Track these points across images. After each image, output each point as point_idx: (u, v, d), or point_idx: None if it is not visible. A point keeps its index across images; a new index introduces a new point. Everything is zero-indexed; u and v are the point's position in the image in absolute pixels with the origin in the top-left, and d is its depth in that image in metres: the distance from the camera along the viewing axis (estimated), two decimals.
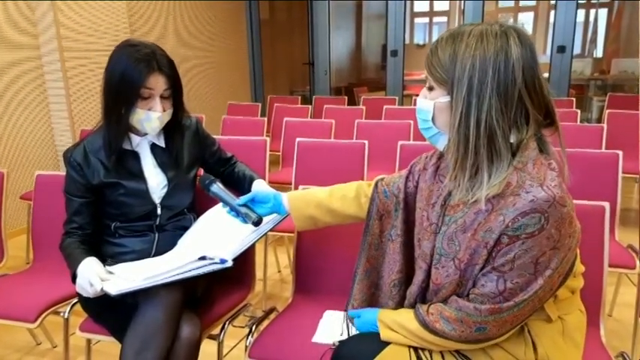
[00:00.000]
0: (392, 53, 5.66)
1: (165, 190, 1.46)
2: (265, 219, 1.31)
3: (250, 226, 1.30)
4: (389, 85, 5.77)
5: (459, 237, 0.97)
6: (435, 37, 10.40)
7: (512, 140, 0.93)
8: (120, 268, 1.33)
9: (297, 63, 7.46)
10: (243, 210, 1.27)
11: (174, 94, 1.41)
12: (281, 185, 3.24)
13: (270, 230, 1.39)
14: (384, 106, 4.06)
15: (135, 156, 1.44)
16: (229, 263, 1.26)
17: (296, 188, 2.62)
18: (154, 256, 1.46)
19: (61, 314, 1.59)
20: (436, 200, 1.06)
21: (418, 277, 1.07)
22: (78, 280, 1.28)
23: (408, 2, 5.68)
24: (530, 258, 0.90)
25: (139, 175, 1.43)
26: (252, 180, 1.60)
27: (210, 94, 5.49)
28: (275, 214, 1.33)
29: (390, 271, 1.20)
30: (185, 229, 1.52)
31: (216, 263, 1.25)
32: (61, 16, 3.50)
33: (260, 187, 1.54)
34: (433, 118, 1.00)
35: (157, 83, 1.34)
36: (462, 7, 9.96)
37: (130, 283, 1.19)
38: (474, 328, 0.96)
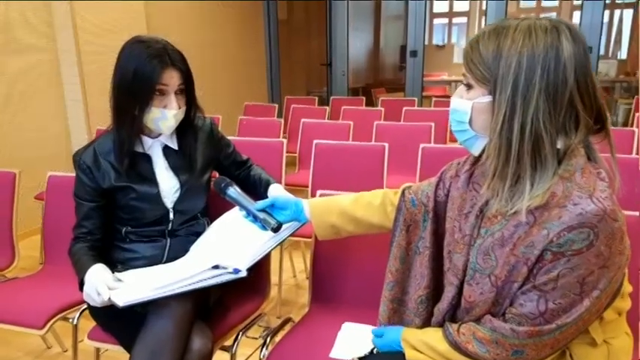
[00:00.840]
0: (411, 54, 5.55)
1: (177, 194, 1.39)
2: (284, 225, 1.23)
3: (267, 233, 1.22)
4: (408, 86, 5.66)
5: (496, 251, 0.88)
6: (454, 39, 10.26)
7: (559, 146, 0.84)
8: (129, 276, 1.27)
9: (314, 64, 7.40)
10: (262, 215, 1.20)
11: (188, 90, 1.35)
12: (297, 188, 3.18)
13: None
14: (404, 108, 3.97)
15: (147, 159, 1.38)
16: (243, 273, 1.19)
17: (313, 191, 2.55)
18: (165, 262, 1.40)
19: (70, 320, 1.54)
20: (470, 210, 0.97)
21: (448, 293, 0.99)
22: (85, 288, 1.22)
23: (428, 2, 5.55)
24: (576, 277, 0.81)
25: (151, 179, 1.37)
26: (268, 184, 1.53)
27: (227, 94, 5.45)
28: (294, 222, 1.26)
29: (417, 286, 1.11)
30: (198, 234, 1.45)
31: (229, 273, 1.18)
32: (78, 19, 3.48)
33: (278, 192, 1.47)
34: (470, 120, 0.91)
35: (172, 79, 1.28)
36: (484, 8, 9.82)
37: (138, 294, 1.13)
38: (511, 351, 0.88)
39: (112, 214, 1.39)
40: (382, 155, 2.43)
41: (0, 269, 1.86)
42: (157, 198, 1.36)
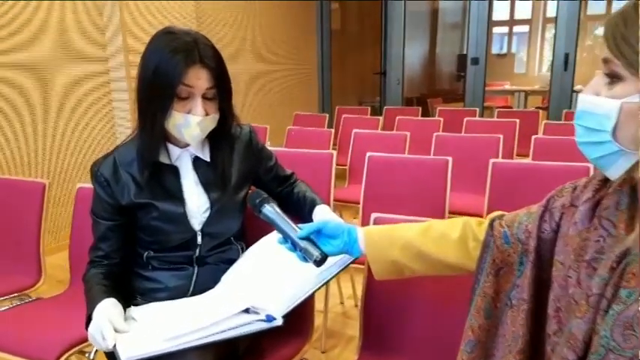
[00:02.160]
0: (472, 61, 5.19)
1: (207, 214, 1.18)
2: (331, 259, 0.98)
3: (310, 267, 0.98)
4: (468, 96, 5.30)
5: None
6: (515, 47, 9.73)
7: None
8: (146, 313, 1.06)
9: (367, 73, 7.18)
10: (303, 244, 0.96)
11: (221, 94, 1.13)
12: (346, 204, 2.93)
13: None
14: (465, 118, 3.65)
15: (173, 172, 1.17)
16: (279, 321, 0.95)
17: (365, 209, 2.28)
18: (191, 294, 1.19)
19: (87, 355, 1.36)
20: (596, 257, 0.68)
21: None
22: (90, 328, 1.02)
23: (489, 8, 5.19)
24: None
25: (177, 196, 1.16)
26: (313, 204, 1.28)
27: (276, 104, 5.30)
28: (344, 255, 1.00)
29: (507, 349, 0.83)
30: (231, 262, 1.23)
31: (261, 320, 0.94)
32: (129, 20, 3.42)
33: (324, 214, 1.22)
34: (615, 128, 0.62)
35: (198, 80, 1.06)
36: (547, 15, 9.27)
37: (148, 346, 0.91)
38: None
39: (132, 235, 1.20)
40: (445, 170, 2.13)
41: (24, 288, 1.72)
42: (183, 218, 1.15)
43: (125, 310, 1.09)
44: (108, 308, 1.03)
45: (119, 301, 1.10)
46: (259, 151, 1.30)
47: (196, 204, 1.17)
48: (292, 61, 5.59)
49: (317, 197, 1.31)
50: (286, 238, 0.98)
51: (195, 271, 1.19)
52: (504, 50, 10.03)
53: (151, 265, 1.19)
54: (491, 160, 2.06)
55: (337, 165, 2.45)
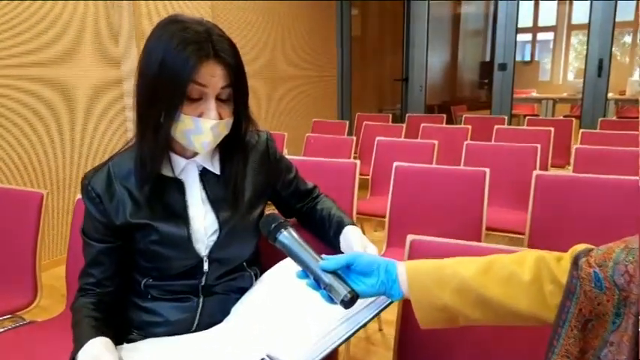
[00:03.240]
0: (500, 67, 4.97)
1: (215, 236, 1.00)
2: (362, 300, 0.80)
3: (336, 308, 0.79)
4: (495, 103, 5.06)
5: None
6: (538, 54, 9.50)
7: None
8: (141, 353, 0.89)
9: (387, 80, 7.00)
10: (329, 280, 0.77)
11: (237, 95, 0.95)
12: (369, 218, 2.74)
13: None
14: (495, 126, 3.43)
15: (177, 187, 0.99)
16: None
17: (391, 224, 2.09)
18: (196, 329, 1.01)
19: None
20: None
21: None
22: None
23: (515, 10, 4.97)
24: None
25: (181, 215, 0.98)
26: (340, 225, 1.09)
27: (294, 111, 5.14)
28: (380, 296, 0.81)
29: None
30: (242, 291, 1.05)
31: None
32: (145, 22, 3.30)
33: (354, 240, 1.03)
34: None
35: (212, 78, 0.89)
36: (572, 22, 9.00)
37: None
38: None
39: (129, 259, 1.02)
40: (481, 183, 1.93)
41: (17, 309, 1.56)
42: (186, 242, 0.97)
43: (119, 346, 0.92)
44: (97, 348, 0.86)
45: (112, 337, 0.92)
46: (277, 162, 1.12)
47: (203, 225, 0.99)
48: (311, 67, 5.43)
49: (345, 216, 1.12)
50: (308, 272, 0.80)
51: (201, 303, 1.02)
52: (528, 57, 9.81)
53: (149, 295, 1.02)
54: (535, 173, 1.85)
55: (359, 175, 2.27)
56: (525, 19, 9.33)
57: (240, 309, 1.02)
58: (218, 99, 0.92)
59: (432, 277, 0.75)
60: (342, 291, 0.76)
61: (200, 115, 0.91)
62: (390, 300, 0.82)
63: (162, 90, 0.88)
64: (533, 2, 9.21)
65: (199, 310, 1.01)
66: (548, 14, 9.66)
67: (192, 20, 0.91)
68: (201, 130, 0.91)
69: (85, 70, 3.09)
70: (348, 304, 0.75)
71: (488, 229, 1.95)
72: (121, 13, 3.25)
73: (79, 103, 3.08)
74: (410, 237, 1.14)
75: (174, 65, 0.86)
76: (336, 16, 5.86)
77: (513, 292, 0.70)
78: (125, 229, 0.97)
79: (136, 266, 1.02)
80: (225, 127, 0.95)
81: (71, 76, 3.01)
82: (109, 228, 0.98)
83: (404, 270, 0.77)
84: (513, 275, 0.71)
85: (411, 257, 1.13)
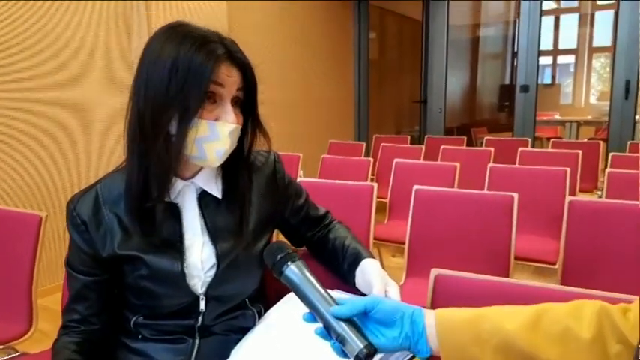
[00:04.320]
0: (522, 88, 4.83)
1: (213, 271, 0.88)
2: (382, 356, 0.67)
3: None
4: (517, 125, 4.91)
5: None
6: (559, 78, 9.39)
7: None
8: None
9: (405, 102, 6.91)
10: (341, 329, 0.65)
11: (249, 101, 0.87)
12: (386, 243, 2.60)
13: None
14: (519, 149, 3.28)
15: (173, 213, 0.88)
16: None
17: (411, 251, 1.95)
18: None
19: None
20: None
21: None
22: None
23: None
24: None
25: (175, 247, 0.87)
26: (357, 258, 0.96)
27: (310, 133, 5.06)
28: (404, 352, 0.68)
29: None
30: (243, 331, 0.93)
31: None
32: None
33: (374, 275, 0.89)
34: None
35: (229, 77, 0.81)
36: (594, 45, 8.84)
37: None
38: None
39: (118, 294, 0.91)
40: (509, 208, 1.79)
41: (10, 339, 1.46)
42: (180, 279, 0.86)
43: None
44: None
45: None
46: (286, 187, 1.01)
47: (200, 258, 0.88)
48: (328, 88, 5.37)
49: (361, 247, 0.99)
50: (317, 316, 0.68)
51: (197, 344, 0.90)
52: (549, 80, 9.68)
53: (140, 335, 0.90)
54: (568, 199, 1.70)
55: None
56: (545, 42, 9.22)
57: (241, 353, 0.90)
58: (231, 104, 0.83)
59: (468, 331, 0.62)
60: (358, 344, 0.63)
61: (217, 119, 0.81)
62: (413, 355, 0.69)
63: (174, 94, 0.78)
64: (553, 25, 9.12)
65: (195, 352, 0.90)
66: (569, 37, 9.54)
67: (196, 25, 0.83)
68: (218, 135, 0.81)
69: (98, 93, 3.05)
70: (364, 359, 0.63)
71: (517, 257, 1.79)
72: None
73: (95, 125, 3.04)
74: (434, 271, 1.01)
75: (190, 65, 0.77)
76: (353, 39, 5.82)
77: (570, 352, 0.57)
78: (112, 262, 0.86)
79: (125, 302, 0.91)
80: (238, 133, 0.85)
81: (87, 99, 2.98)
82: (95, 259, 0.87)
83: (433, 321, 0.64)
84: (569, 332, 0.58)
85: (435, 294, 1.00)
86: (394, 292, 0.86)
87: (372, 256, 0.96)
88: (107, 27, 3.06)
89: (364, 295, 0.89)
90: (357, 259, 0.95)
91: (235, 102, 0.84)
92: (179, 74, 0.77)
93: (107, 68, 3.08)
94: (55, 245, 2.81)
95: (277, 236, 1.18)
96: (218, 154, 0.82)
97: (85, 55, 2.96)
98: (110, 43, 3.08)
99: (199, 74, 0.77)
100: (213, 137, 0.81)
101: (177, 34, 0.80)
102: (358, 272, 0.94)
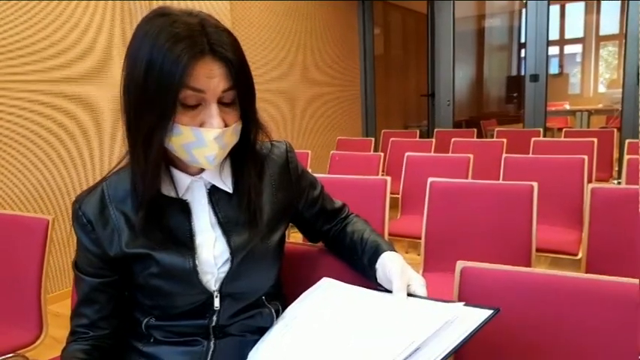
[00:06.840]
0: (531, 78, 4.75)
1: (227, 267, 0.84)
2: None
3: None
4: (528, 115, 4.83)
5: None
6: (566, 67, 9.29)
7: None
8: None
9: (412, 97, 6.83)
10: None
11: (243, 97, 0.79)
12: (400, 239, 2.55)
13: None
14: (532, 139, 3.21)
15: (182, 209, 0.84)
16: None
17: (428, 246, 1.89)
18: None
19: None
20: None
21: None
22: None
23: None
24: None
25: (185, 243, 0.82)
26: (377, 251, 0.90)
27: (318, 129, 5.01)
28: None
29: None
30: (261, 331, 0.88)
31: None
32: None
33: (395, 270, 0.83)
34: None
35: (211, 79, 0.73)
36: (600, 33, 8.72)
37: None
38: None
39: (128, 295, 0.87)
40: (528, 198, 1.73)
41: (19, 347, 1.42)
42: (192, 275, 0.81)
43: None
44: None
45: None
46: (299, 177, 0.96)
47: (212, 254, 0.83)
48: (334, 84, 5.32)
49: (381, 240, 0.93)
50: None
51: (212, 346, 0.85)
52: (556, 70, 9.57)
53: (152, 337, 0.86)
54: (590, 186, 1.64)
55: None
56: (552, 32, 9.12)
57: (259, 355, 0.85)
58: (220, 103, 0.76)
59: None
60: None
61: (201, 125, 0.75)
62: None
63: (150, 97, 0.72)
64: (559, 14, 9.00)
65: (210, 355, 0.85)
66: (575, 26, 9.42)
67: (183, 12, 0.76)
68: (204, 142, 0.75)
69: (106, 94, 3.02)
70: None
71: (538, 249, 1.73)
72: None
73: (103, 127, 3.02)
74: (460, 264, 0.96)
75: (162, 67, 0.71)
76: (358, 35, 5.77)
77: None
78: (121, 261, 0.82)
79: (136, 304, 0.87)
80: (232, 134, 0.79)
81: (95, 100, 2.95)
82: (103, 260, 0.83)
83: None
84: None
85: (462, 287, 0.95)
86: (419, 288, 0.81)
87: (392, 249, 0.90)
88: (113, 27, 3.03)
89: (387, 291, 0.84)
90: (376, 253, 0.89)
91: (229, 101, 0.77)
92: (153, 77, 0.71)
93: (115, 69, 3.06)
94: (64, 250, 2.79)
95: (290, 234, 1.13)
96: (208, 159, 0.77)
97: (92, 56, 2.93)
98: (117, 44, 3.05)
99: (169, 80, 0.70)
100: (200, 143, 0.75)
101: (156, 26, 0.73)
102: (378, 267, 0.88)
